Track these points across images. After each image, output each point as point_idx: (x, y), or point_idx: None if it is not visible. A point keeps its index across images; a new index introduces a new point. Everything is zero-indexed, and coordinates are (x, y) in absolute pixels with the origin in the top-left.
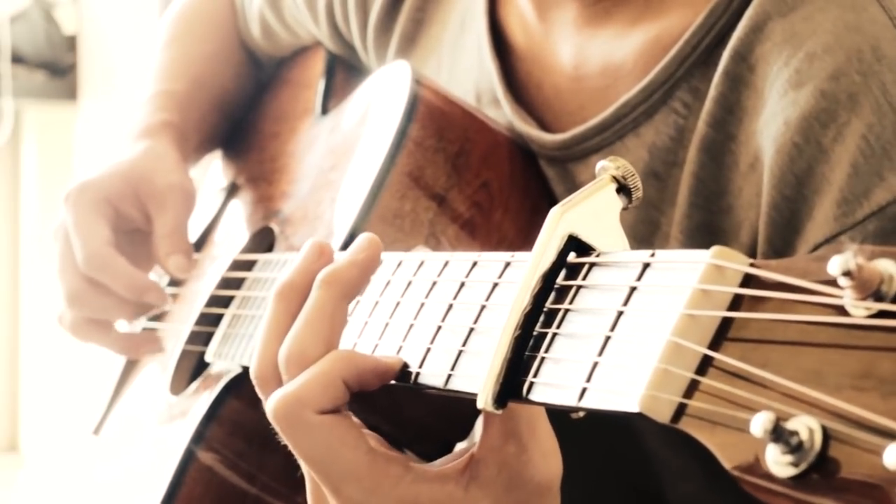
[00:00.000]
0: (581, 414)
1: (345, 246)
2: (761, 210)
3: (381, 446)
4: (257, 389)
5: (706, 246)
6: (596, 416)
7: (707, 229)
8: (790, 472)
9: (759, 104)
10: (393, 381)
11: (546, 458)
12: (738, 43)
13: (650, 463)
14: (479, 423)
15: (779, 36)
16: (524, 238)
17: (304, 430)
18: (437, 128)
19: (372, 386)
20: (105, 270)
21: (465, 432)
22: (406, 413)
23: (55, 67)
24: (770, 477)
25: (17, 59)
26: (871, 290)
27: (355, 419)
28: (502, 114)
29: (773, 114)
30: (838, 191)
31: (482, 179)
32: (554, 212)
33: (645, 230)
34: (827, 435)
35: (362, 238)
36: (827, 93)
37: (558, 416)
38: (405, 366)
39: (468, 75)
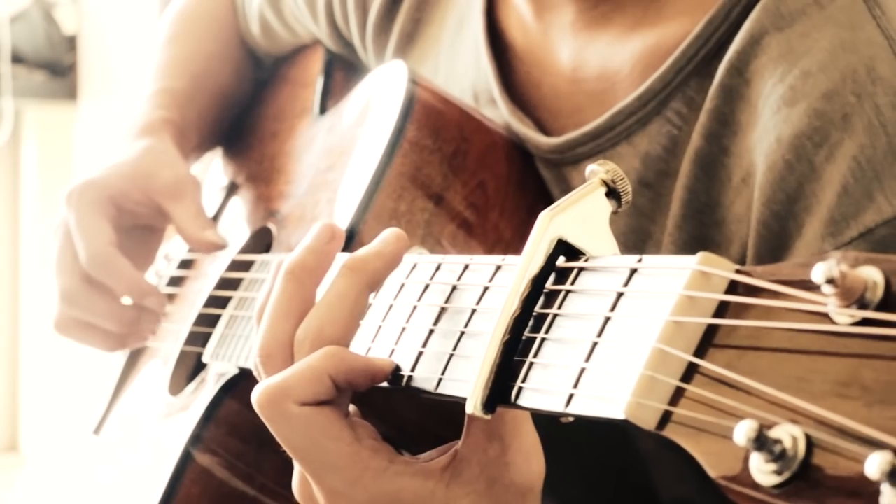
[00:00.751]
0: (570, 419)
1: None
2: (751, 226)
3: (368, 437)
4: (258, 369)
5: None
6: (587, 419)
7: (698, 241)
8: (774, 480)
9: (753, 118)
10: (385, 384)
11: (528, 459)
12: (734, 56)
13: (644, 463)
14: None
15: (775, 51)
16: (521, 239)
17: (285, 420)
18: (434, 128)
19: (362, 386)
20: (108, 271)
21: (461, 434)
22: (402, 415)
23: (55, 67)
24: (754, 485)
25: (17, 59)
26: (855, 297)
27: (352, 407)
28: (499, 114)
29: (765, 129)
30: (827, 211)
31: (478, 180)
32: (543, 216)
33: (636, 239)
34: (810, 443)
35: (390, 233)
36: (820, 112)
37: (552, 417)
38: (397, 369)
39: (466, 75)
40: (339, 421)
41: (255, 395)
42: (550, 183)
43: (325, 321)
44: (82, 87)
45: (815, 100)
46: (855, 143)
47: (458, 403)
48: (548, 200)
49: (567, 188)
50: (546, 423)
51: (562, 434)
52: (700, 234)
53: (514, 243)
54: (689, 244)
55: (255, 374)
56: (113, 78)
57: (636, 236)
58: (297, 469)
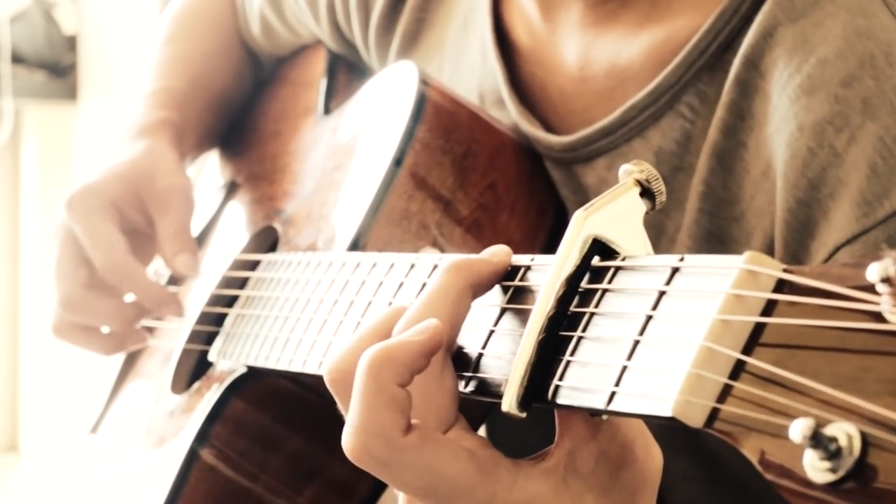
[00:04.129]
0: (604, 417)
1: (352, 247)
2: (776, 216)
3: (477, 447)
4: (334, 388)
5: (714, 252)
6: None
7: (716, 236)
8: (828, 478)
9: (770, 110)
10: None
11: (648, 448)
12: (748, 49)
13: None
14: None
15: (790, 42)
16: (530, 240)
17: (398, 463)
18: (445, 129)
19: (423, 368)
20: (129, 281)
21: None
22: None
23: (55, 67)
24: (807, 483)
25: (17, 59)
26: None
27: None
28: (507, 114)
29: (784, 119)
30: (858, 192)
31: (488, 181)
32: (578, 215)
33: (650, 234)
34: (866, 441)
35: (500, 247)
36: (840, 97)
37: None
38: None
39: (471, 75)
40: (444, 440)
41: (355, 456)
42: (560, 183)
43: (423, 319)
44: (82, 87)
45: (834, 86)
46: (878, 125)
47: (471, 404)
48: (557, 201)
49: (577, 187)
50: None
51: None
52: (718, 229)
53: (523, 244)
54: (706, 239)
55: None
56: (113, 78)
57: (649, 231)
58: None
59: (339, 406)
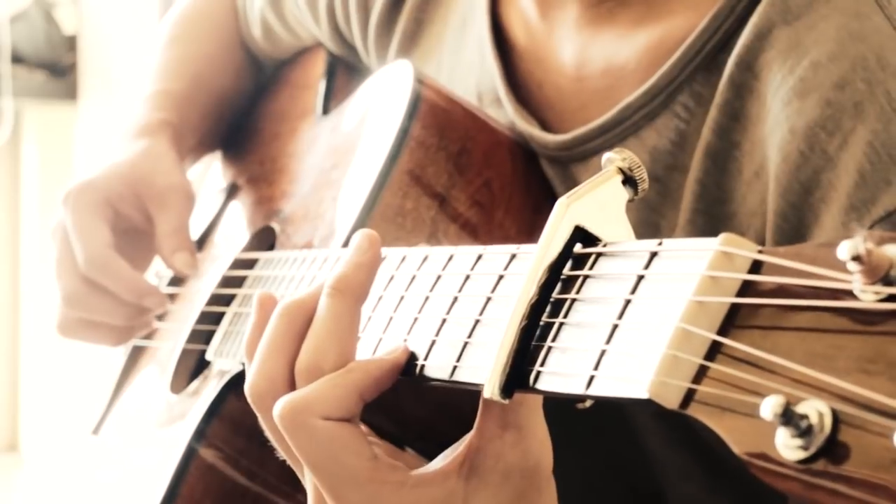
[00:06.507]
0: (588, 404)
1: (346, 244)
2: (768, 218)
3: (385, 455)
4: (253, 406)
5: None
6: (597, 415)
7: (711, 235)
8: (800, 455)
9: (763, 112)
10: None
11: (542, 445)
12: (743, 51)
13: (651, 463)
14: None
15: (783, 44)
16: (526, 237)
17: (307, 434)
18: (439, 127)
19: (386, 387)
20: (106, 273)
21: (467, 430)
22: (409, 411)
23: (55, 67)
24: (779, 461)
25: (17, 59)
26: (881, 274)
27: (363, 427)
28: (504, 113)
29: (777, 122)
30: (846, 197)
31: (484, 178)
32: (560, 203)
33: (645, 233)
34: (837, 418)
35: (362, 237)
36: (832, 101)
37: (560, 416)
38: (412, 356)
39: (469, 75)
40: (359, 436)
41: (279, 409)
42: (556, 181)
43: (324, 352)
44: (82, 87)
45: (827, 90)
46: (868, 129)
47: (467, 399)
48: (553, 199)
49: (573, 186)
50: (550, 422)
51: (566, 434)
52: (712, 229)
53: (519, 242)
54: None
55: (254, 409)
56: (113, 78)
57: (645, 230)
58: (312, 488)
59: (264, 426)
